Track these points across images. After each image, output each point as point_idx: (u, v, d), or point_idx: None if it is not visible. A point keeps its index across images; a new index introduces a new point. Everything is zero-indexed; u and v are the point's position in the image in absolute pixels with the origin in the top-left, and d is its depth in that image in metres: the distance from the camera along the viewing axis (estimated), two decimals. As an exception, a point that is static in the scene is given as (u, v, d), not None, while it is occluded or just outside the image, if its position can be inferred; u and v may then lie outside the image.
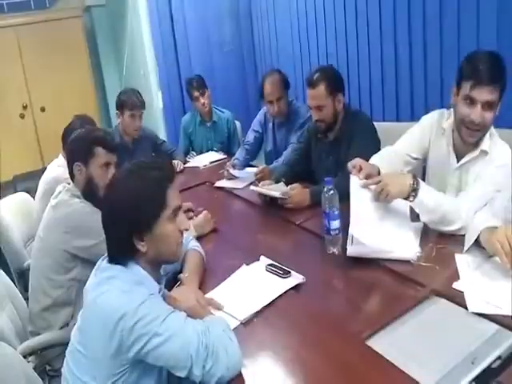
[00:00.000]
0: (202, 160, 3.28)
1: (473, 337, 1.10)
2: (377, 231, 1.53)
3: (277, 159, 2.81)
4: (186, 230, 1.30)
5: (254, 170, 2.59)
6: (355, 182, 1.60)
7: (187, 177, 2.98)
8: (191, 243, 1.63)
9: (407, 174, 1.60)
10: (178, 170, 3.04)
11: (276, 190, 2.11)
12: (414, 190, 1.53)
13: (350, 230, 1.48)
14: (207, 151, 3.49)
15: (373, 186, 1.58)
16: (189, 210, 2.06)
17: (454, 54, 2.39)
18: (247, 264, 1.59)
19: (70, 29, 5.10)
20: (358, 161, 1.66)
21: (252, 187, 2.27)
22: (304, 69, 3.64)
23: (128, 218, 1.15)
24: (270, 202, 2.13)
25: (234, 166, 2.78)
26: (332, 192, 1.58)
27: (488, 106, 1.51)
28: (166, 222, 1.19)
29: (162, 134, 4.65)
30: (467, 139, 1.61)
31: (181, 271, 1.50)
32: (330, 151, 2.31)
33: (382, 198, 1.54)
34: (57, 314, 1.77)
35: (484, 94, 1.49)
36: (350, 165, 1.65)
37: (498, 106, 1.53)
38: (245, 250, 1.77)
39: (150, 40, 4.58)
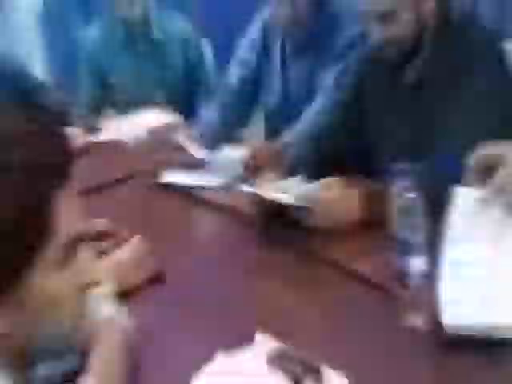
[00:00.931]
0: (132, 127, 2.04)
1: None
2: (492, 291, 0.94)
3: (289, 124, 1.72)
4: (96, 282, 0.98)
5: (242, 151, 1.59)
6: (469, 195, 1.01)
7: (99, 162, 1.85)
8: (104, 310, 1.08)
9: None
10: (78, 148, 1.79)
11: (288, 191, 1.26)
12: None
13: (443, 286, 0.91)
14: (142, 106, 2.14)
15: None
16: (102, 235, 1.26)
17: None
18: (228, 351, 0.94)
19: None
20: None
21: (241, 187, 1.35)
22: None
23: None
24: (275, 216, 1.27)
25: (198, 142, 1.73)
26: (412, 197, 0.93)
27: None
28: (49, 268, 0.70)
29: (41, 69, 3.03)
30: None
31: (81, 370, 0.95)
32: (406, 108, 1.38)
33: None
34: None
35: None
36: (476, 158, 1.00)
37: None
38: (221, 319, 1.03)
39: None
